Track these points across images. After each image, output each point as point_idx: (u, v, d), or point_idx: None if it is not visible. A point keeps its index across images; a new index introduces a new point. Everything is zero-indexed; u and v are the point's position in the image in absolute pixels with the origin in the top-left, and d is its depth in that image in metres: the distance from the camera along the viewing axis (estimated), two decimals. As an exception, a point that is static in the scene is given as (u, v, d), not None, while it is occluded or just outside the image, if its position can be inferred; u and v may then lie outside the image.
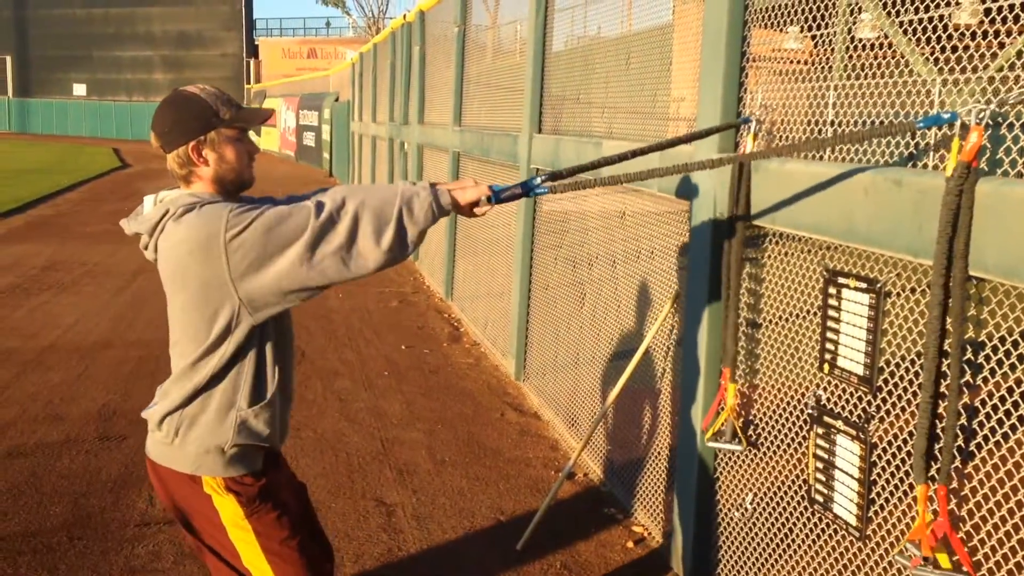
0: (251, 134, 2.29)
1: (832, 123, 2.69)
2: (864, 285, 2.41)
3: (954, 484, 2.06)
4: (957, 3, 2.20)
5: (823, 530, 2.68)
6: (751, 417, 3.11)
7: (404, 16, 11.40)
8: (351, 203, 2.04)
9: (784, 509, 2.90)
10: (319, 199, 2.07)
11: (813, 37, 2.87)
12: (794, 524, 2.83)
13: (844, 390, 2.55)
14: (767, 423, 3.01)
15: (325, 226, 2.01)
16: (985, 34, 2.12)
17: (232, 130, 2.15)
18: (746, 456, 3.12)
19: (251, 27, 51.36)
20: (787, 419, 2.87)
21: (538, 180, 2.33)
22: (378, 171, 14.51)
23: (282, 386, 2.23)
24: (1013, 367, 1.96)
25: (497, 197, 2.19)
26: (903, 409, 2.29)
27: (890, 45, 2.57)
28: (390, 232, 2.02)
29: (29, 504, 3.99)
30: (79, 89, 50.58)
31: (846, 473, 2.51)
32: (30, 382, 5.74)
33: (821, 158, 2.71)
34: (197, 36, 50.35)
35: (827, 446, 2.59)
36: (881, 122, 2.40)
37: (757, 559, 3.05)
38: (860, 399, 2.47)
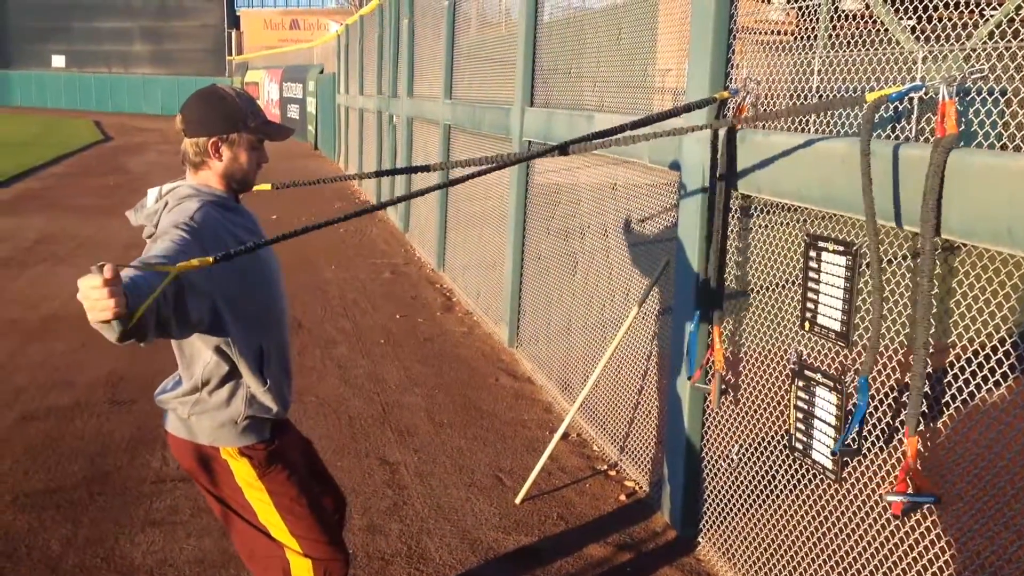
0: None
1: (817, 91, 2.87)
2: (842, 248, 2.61)
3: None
4: None
5: (803, 475, 2.90)
6: (738, 372, 3.32)
7: None
8: None
9: (768, 458, 3.12)
10: None
11: (798, 8, 3.04)
12: (777, 471, 3.05)
13: (823, 346, 2.75)
14: (752, 379, 3.22)
15: None
16: (958, 4, 2.28)
17: (252, 136, 2.36)
18: (732, 410, 3.34)
19: (232, -3, 50.79)
20: (770, 374, 3.08)
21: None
22: (366, 144, 14.60)
23: (280, 359, 2.43)
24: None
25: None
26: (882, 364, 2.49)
27: (872, 16, 2.74)
28: None
29: (48, 463, 4.16)
30: (58, 61, 49.79)
31: (824, 422, 2.72)
32: (35, 351, 5.88)
33: (806, 130, 2.90)
34: (177, 7, 49.74)
35: (807, 397, 2.80)
36: (853, 92, 2.58)
37: (742, 504, 3.28)
38: (837, 354, 2.68)
